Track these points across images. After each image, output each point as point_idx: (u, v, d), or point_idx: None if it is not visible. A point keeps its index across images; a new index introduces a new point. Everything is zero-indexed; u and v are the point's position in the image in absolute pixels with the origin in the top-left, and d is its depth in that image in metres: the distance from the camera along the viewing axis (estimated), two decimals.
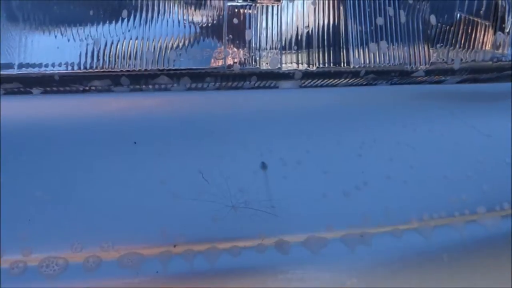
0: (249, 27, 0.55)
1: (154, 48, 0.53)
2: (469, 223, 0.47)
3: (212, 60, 0.54)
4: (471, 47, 0.62)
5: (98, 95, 0.51)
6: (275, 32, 0.55)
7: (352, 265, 0.44)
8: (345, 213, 0.45)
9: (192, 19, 0.53)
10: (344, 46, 0.57)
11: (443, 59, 0.61)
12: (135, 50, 0.53)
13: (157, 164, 0.46)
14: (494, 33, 0.63)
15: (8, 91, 0.50)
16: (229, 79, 0.56)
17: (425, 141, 0.53)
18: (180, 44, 0.53)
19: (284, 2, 0.55)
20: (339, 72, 0.58)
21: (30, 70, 0.51)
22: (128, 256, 0.40)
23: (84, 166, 0.45)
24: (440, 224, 0.46)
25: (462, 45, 0.62)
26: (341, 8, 0.57)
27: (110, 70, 0.52)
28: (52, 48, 0.51)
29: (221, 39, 0.54)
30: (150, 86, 0.54)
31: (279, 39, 0.55)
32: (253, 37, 0.55)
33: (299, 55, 0.56)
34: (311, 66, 0.57)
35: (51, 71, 0.51)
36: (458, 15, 0.61)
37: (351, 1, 0.57)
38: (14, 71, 0.50)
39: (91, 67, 0.52)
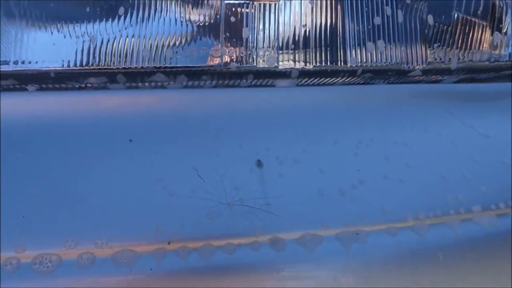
0: (246, 26, 0.55)
1: (151, 46, 0.52)
2: (465, 222, 0.47)
3: (209, 58, 0.54)
4: (468, 47, 0.62)
5: (94, 92, 0.51)
6: (272, 30, 0.55)
7: (347, 263, 0.43)
8: (341, 211, 0.45)
9: (189, 17, 0.53)
10: (341, 45, 0.57)
11: (440, 59, 0.61)
12: (131, 48, 0.53)
13: (152, 161, 0.46)
14: (492, 33, 0.63)
15: (4, 87, 0.50)
16: (226, 77, 0.56)
17: (422, 140, 0.53)
18: (177, 42, 0.53)
19: (281, 1, 0.55)
20: (336, 71, 0.58)
21: (26, 67, 0.51)
22: (122, 253, 0.40)
23: (80, 163, 0.44)
24: (435, 222, 0.46)
25: (459, 45, 0.62)
26: (339, 7, 0.57)
27: (106, 67, 0.52)
28: (48, 45, 0.50)
29: (218, 37, 0.54)
30: (147, 84, 0.54)
31: (276, 38, 0.55)
32: (250, 35, 0.54)
33: (296, 53, 0.56)
34: (308, 64, 0.57)
35: (47, 68, 0.51)
36: (456, 15, 0.61)
37: (349, 1, 0.57)
38: (9, 68, 0.50)
39: (87, 64, 0.52)
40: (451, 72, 0.63)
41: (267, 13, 0.55)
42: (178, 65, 0.54)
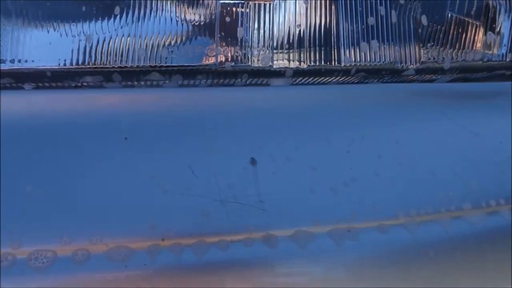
0: (241, 25, 0.55)
1: (146, 46, 0.53)
2: (455, 219, 0.48)
3: (204, 58, 0.55)
4: (461, 47, 0.63)
5: (90, 91, 0.52)
6: (267, 30, 0.56)
7: (339, 259, 0.44)
8: (333, 209, 0.46)
9: (185, 17, 0.54)
10: (335, 45, 0.58)
11: (434, 58, 0.62)
12: (127, 47, 0.53)
13: (147, 159, 0.46)
14: (485, 33, 0.64)
15: (1, 86, 0.51)
16: (221, 76, 0.56)
17: (414, 138, 0.53)
18: (172, 42, 0.54)
19: (276, 1, 0.55)
20: (330, 70, 0.59)
21: (22, 66, 0.51)
22: (116, 250, 0.41)
23: (76, 161, 0.45)
24: (426, 220, 0.47)
25: (452, 45, 0.63)
26: (333, 7, 0.57)
27: (102, 66, 0.53)
28: (45, 44, 0.51)
29: (213, 36, 0.55)
30: (142, 83, 0.55)
31: (270, 37, 0.56)
32: (245, 35, 0.55)
33: (291, 53, 0.57)
34: (302, 64, 0.57)
35: (43, 67, 0.52)
36: (449, 15, 0.62)
37: (343, 1, 0.57)
38: (6, 66, 0.50)
39: (83, 63, 0.52)
40: (444, 72, 0.63)
41: (261, 13, 0.56)
42: (174, 64, 0.54)
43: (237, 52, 0.55)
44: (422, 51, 0.61)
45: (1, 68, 0.51)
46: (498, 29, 0.65)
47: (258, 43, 0.56)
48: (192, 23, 0.54)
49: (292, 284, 0.43)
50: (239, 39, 0.55)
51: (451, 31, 0.62)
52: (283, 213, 0.45)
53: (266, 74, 0.57)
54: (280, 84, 0.57)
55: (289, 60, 0.57)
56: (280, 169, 0.47)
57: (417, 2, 0.60)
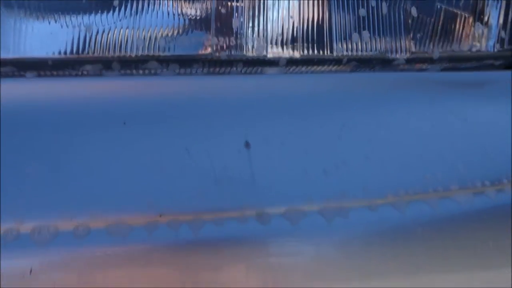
0: (236, 17, 0.57)
1: (144, 37, 0.55)
2: (443, 199, 0.49)
3: (200, 47, 0.57)
4: (450, 37, 0.65)
5: (90, 79, 0.54)
6: (261, 21, 0.58)
7: (329, 236, 0.46)
8: (324, 189, 0.48)
9: (181, 10, 0.56)
10: (327, 36, 0.60)
11: (423, 49, 0.64)
12: (125, 38, 0.55)
13: (145, 142, 0.48)
14: (473, 24, 0.66)
15: (3, 74, 0.53)
16: (216, 65, 0.58)
17: (404, 124, 0.55)
18: (169, 34, 0.56)
19: None
20: (322, 59, 0.61)
21: (24, 55, 0.53)
22: (116, 225, 0.43)
23: (76, 143, 0.47)
24: (414, 199, 0.49)
25: (441, 36, 0.65)
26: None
27: (101, 56, 0.55)
28: (46, 34, 0.53)
29: (209, 28, 0.57)
30: (140, 71, 0.57)
31: (265, 28, 0.58)
32: (240, 26, 0.57)
33: (284, 43, 0.59)
34: (295, 53, 0.59)
35: (45, 56, 0.54)
36: (439, 6, 0.64)
37: None
38: (9, 55, 0.52)
39: (83, 53, 0.54)
40: (433, 61, 0.65)
41: (256, 4, 0.58)
42: (171, 54, 0.56)
43: (232, 42, 0.57)
44: (412, 41, 0.63)
45: (5, 57, 0.53)
46: (486, 20, 0.67)
47: (253, 33, 0.58)
48: (189, 16, 0.56)
49: (283, 259, 0.44)
50: (234, 30, 0.58)
51: (440, 22, 0.64)
52: (276, 192, 0.46)
53: (260, 63, 0.59)
54: (274, 73, 0.59)
55: (282, 50, 0.59)
56: (274, 152, 0.49)
57: None
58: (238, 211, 0.45)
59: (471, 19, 0.67)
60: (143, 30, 0.56)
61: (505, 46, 0.69)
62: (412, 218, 0.49)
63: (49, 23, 0.53)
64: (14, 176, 0.43)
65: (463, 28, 0.66)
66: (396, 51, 0.64)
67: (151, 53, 0.57)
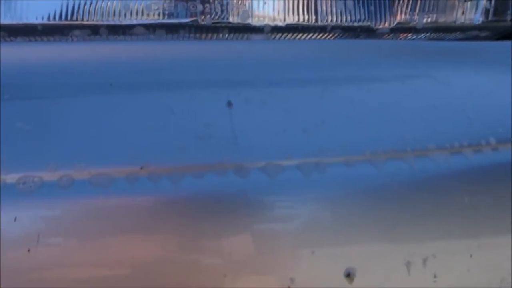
0: None
1: (131, 6, 0.57)
2: (420, 157, 0.51)
3: (186, 14, 0.58)
4: (435, 8, 0.66)
5: (79, 43, 0.56)
6: None
7: (306, 190, 0.48)
8: (303, 145, 0.49)
9: None
10: (313, 3, 0.61)
11: (407, 19, 0.65)
12: (113, 6, 0.57)
13: (130, 102, 0.50)
14: None
15: None
16: (202, 31, 0.60)
17: (386, 87, 0.57)
18: (156, 2, 0.57)
19: None
20: (306, 27, 0.62)
21: (14, 20, 0.55)
22: (98, 176, 0.44)
23: (64, 102, 0.49)
24: (392, 157, 0.50)
25: (426, 6, 0.66)
26: None
27: (89, 22, 0.56)
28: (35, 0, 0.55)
29: None
30: (128, 37, 0.58)
31: None
32: None
33: (269, 10, 0.60)
34: (280, 21, 0.61)
35: (34, 21, 0.55)
36: None
37: None
38: None
39: (71, 19, 0.56)
40: (418, 31, 0.66)
41: None
42: (157, 21, 0.58)
43: (217, 8, 0.59)
44: (396, 11, 0.64)
45: None
46: None
47: (238, 0, 0.60)
48: None
49: (260, 210, 0.46)
50: None
51: None
52: (255, 148, 0.48)
53: (245, 30, 0.60)
54: (259, 39, 0.61)
55: (267, 17, 0.61)
56: (255, 111, 0.51)
57: None
58: (218, 165, 0.47)
59: None
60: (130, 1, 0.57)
61: (490, 18, 0.69)
62: (389, 175, 0.50)
63: None
64: (3, 130, 0.45)
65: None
66: (381, 21, 0.65)
67: (138, 20, 0.58)
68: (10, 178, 0.43)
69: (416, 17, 0.65)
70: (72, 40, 0.57)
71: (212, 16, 0.58)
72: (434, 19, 0.66)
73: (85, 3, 0.57)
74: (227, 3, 0.59)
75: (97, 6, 0.57)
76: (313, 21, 0.62)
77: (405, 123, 0.54)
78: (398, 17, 0.65)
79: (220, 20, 0.59)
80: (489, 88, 0.61)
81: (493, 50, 0.68)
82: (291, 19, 0.61)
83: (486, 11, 0.69)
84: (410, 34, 0.67)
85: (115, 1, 0.58)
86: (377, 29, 0.64)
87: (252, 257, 0.46)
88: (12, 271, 0.43)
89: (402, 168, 0.50)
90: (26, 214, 0.43)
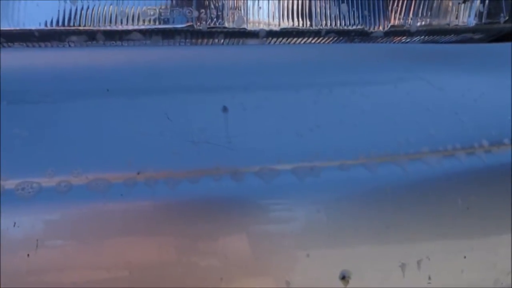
0: None
1: (128, 12, 0.57)
2: (413, 160, 0.52)
3: (182, 20, 0.59)
4: (429, 11, 0.67)
5: (76, 48, 0.56)
6: None
7: (301, 194, 0.48)
8: (297, 150, 0.50)
9: None
10: (307, 8, 0.62)
11: (401, 22, 0.66)
12: (110, 12, 0.58)
13: (126, 107, 0.51)
14: None
15: None
16: (198, 37, 0.60)
17: (380, 91, 0.57)
18: (153, 9, 0.58)
19: None
20: (301, 31, 0.63)
21: (12, 26, 0.56)
22: (96, 181, 0.45)
23: (61, 107, 0.49)
24: (385, 160, 0.51)
25: (420, 9, 0.66)
26: None
27: (86, 28, 0.57)
28: (33, 6, 0.55)
29: (191, 1, 0.59)
30: (124, 43, 0.59)
31: (245, 0, 0.60)
32: None
33: (264, 15, 0.61)
34: (275, 25, 0.61)
35: (32, 27, 0.56)
36: None
37: None
38: None
39: (68, 24, 0.56)
40: (412, 34, 0.67)
41: None
42: (153, 27, 0.59)
43: (212, 14, 0.60)
44: (389, 14, 0.65)
45: None
46: None
47: (234, 5, 0.60)
48: None
49: (255, 214, 0.47)
50: (214, 3, 0.60)
51: None
52: (250, 153, 0.49)
53: (240, 35, 0.61)
54: (254, 44, 0.62)
55: (262, 22, 0.61)
56: (250, 115, 0.51)
57: None
58: (213, 170, 0.47)
59: None
60: (126, 6, 0.58)
61: (484, 20, 0.70)
62: (383, 178, 0.51)
63: None
64: (1, 136, 0.46)
65: (441, 2, 0.68)
66: (375, 24, 0.65)
67: (134, 26, 0.59)
68: (9, 184, 0.44)
69: (410, 20, 0.66)
70: (69, 45, 0.57)
71: (208, 21, 0.59)
72: (428, 22, 0.66)
73: (82, 9, 0.57)
74: (223, 9, 0.59)
75: (93, 12, 0.57)
76: (308, 25, 0.62)
77: (398, 127, 0.54)
78: (392, 21, 0.66)
79: (215, 25, 0.59)
80: (482, 91, 0.61)
81: (487, 52, 0.69)
82: (286, 24, 0.62)
83: (480, 14, 0.70)
84: (404, 37, 0.68)
85: (111, 7, 0.58)
86: (371, 33, 0.64)
87: (248, 261, 0.47)
88: (12, 275, 0.44)
89: (396, 171, 0.51)
90: (25, 219, 0.44)
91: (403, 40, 0.69)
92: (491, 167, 0.55)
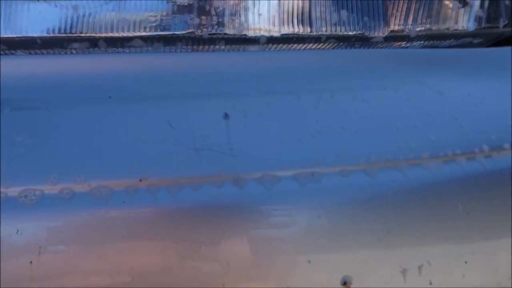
0: None
1: (129, 19, 0.58)
2: (414, 166, 0.52)
3: (183, 27, 0.60)
4: (429, 16, 0.67)
5: (78, 55, 0.57)
6: (242, 1, 0.60)
7: (302, 200, 0.49)
8: (298, 156, 0.50)
9: None
10: (307, 14, 0.62)
11: (401, 27, 0.66)
12: (111, 19, 0.58)
13: (129, 113, 0.51)
14: (452, 3, 0.68)
15: None
16: (200, 43, 0.61)
17: (380, 96, 0.58)
18: (154, 16, 0.58)
19: None
20: (302, 37, 0.63)
21: (14, 34, 0.56)
22: (98, 189, 0.45)
23: (63, 114, 0.50)
24: (386, 166, 0.51)
25: (419, 14, 0.67)
26: None
27: (88, 35, 0.57)
28: (35, 13, 0.56)
29: (192, 8, 0.59)
30: (126, 50, 0.59)
31: (245, 7, 0.60)
32: (222, 5, 0.60)
33: (265, 21, 0.61)
34: (275, 32, 0.62)
35: (34, 35, 0.56)
36: None
37: None
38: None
39: (70, 31, 0.57)
40: (412, 40, 0.67)
41: None
42: (154, 33, 0.59)
43: (213, 21, 0.60)
44: (389, 20, 0.65)
45: None
46: None
47: (234, 12, 0.61)
48: (173, 2, 0.59)
49: (257, 220, 0.47)
50: (215, 9, 0.60)
51: (418, 1, 0.66)
52: (252, 159, 0.49)
53: (241, 41, 0.61)
54: (255, 50, 0.62)
55: (263, 29, 0.62)
56: (251, 122, 0.52)
57: None
58: (215, 177, 0.48)
59: None
60: (128, 13, 0.58)
61: (483, 25, 0.70)
62: (383, 184, 0.51)
63: (38, 1, 0.56)
64: (3, 146, 0.46)
65: (441, 7, 0.68)
66: (374, 30, 0.66)
67: (136, 33, 0.59)
68: (12, 191, 0.44)
69: (409, 25, 0.66)
70: (71, 52, 0.57)
71: (209, 28, 0.59)
72: (427, 27, 0.67)
73: (84, 16, 0.58)
74: (223, 16, 0.60)
75: (95, 19, 0.58)
76: (308, 31, 0.63)
77: (398, 132, 0.55)
78: (392, 26, 0.66)
79: (216, 31, 0.60)
80: (482, 95, 0.62)
81: (486, 57, 0.69)
82: (286, 30, 0.62)
83: (479, 18, 0.70)
84: (404, 43, 0.68)
85: (113, 14, 0.58)
86: (371, 38, 0.65)
87: (250, 267, 0.47)
88: (15, 282, 0.44)
89: (396, 176, 0.51)
90: (28, 226, 0.44)
91: (403, 45, 0.69)
92: (491, 172, 0.55)
